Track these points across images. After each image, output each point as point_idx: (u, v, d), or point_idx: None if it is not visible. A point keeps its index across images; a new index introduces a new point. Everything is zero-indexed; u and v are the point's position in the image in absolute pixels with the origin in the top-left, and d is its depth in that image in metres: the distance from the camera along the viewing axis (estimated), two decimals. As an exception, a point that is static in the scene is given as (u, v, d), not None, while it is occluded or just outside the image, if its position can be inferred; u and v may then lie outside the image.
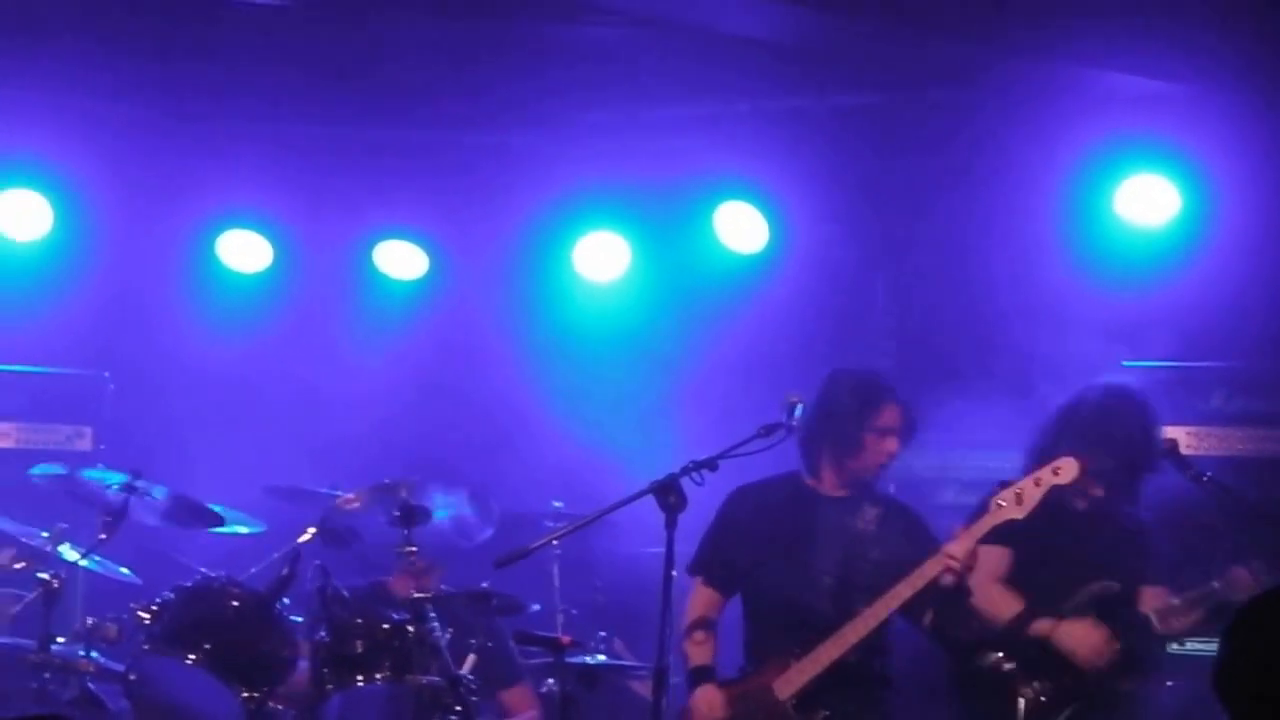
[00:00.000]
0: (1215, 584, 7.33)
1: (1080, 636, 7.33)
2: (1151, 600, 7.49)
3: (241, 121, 10.19)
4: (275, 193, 10.38)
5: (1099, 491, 7.52)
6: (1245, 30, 8.30)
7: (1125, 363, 8.96)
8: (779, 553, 7.44)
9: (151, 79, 9.87)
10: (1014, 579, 7.47)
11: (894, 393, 7.51)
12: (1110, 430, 7.56)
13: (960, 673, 7.63)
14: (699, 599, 7.56)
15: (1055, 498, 7.21)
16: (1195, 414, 8.92)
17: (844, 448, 7.44)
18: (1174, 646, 8.34)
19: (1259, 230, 9.03)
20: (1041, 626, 7.38)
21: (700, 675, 7.40)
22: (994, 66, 9.05)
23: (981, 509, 7.26)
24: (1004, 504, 7.13)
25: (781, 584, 7.41)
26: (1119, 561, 7.49)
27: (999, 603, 7.44)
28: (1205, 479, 7.75)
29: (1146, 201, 9.44)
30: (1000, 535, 7.20)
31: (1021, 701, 7.41)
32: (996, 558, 7.45)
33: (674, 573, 6.87)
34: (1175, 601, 7.40)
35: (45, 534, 8.16)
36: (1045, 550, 7.43)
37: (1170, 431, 8.26)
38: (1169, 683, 8.20)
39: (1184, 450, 8.07)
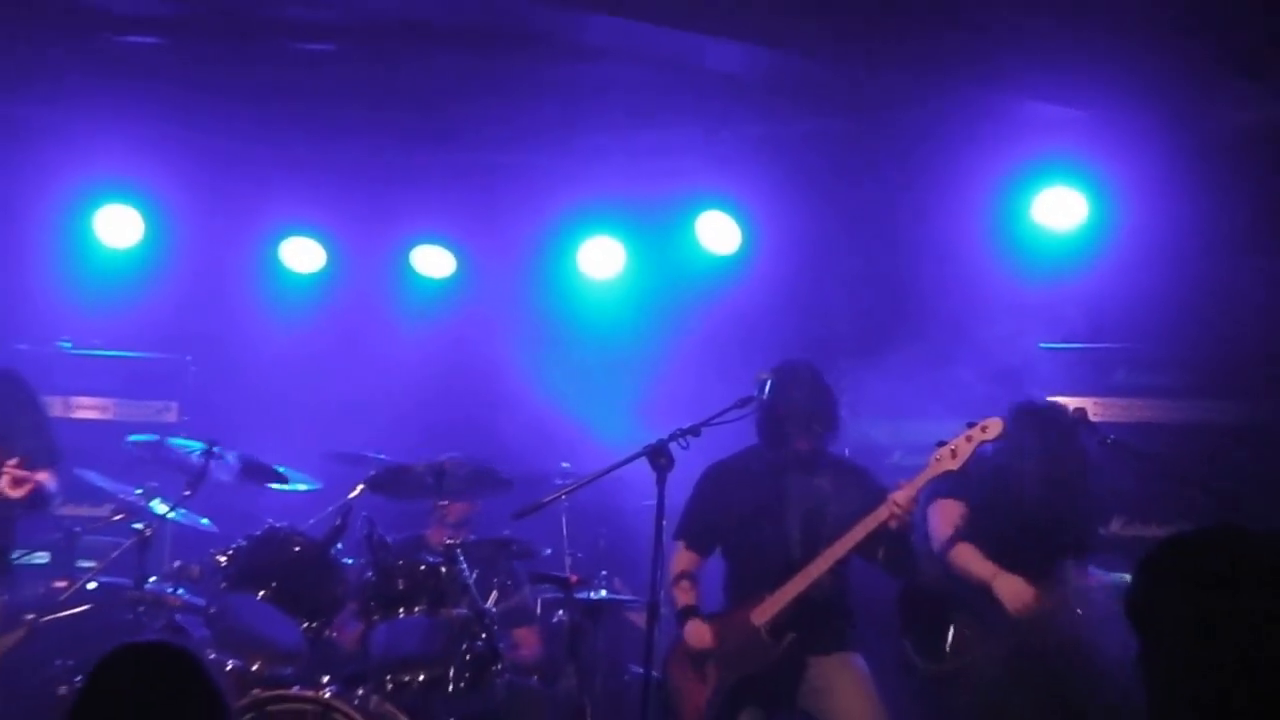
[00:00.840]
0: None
1: (1012, 591, 7.35)
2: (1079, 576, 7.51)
3: (299, 146, 10.26)
4: (327, 205, 10.47)
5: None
6: (1143, 66, 8.33)
7: (1042, 344, 9.03)
8: (754, 513, 7.52)
9: (224, 110, 9.94)
10: (971, 527, 7.50)
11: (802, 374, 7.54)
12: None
13: (904, 604, 7.65)
14: (682, 559, 7.65)
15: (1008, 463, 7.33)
16: (1101, 387, 8.97)
17: (777, 415, 7.49)
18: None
19: (1154, 233, 9.10)
20: (984, 571, 7.42)
21: (688, 613, 7.49)
22: (931, 97, 9.08)
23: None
24: (940, 459, 7.22)
25: (758, 538, 7.49)
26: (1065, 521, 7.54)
27: (969, 558, 7.47)
28: (1110, 441, 7.81)
29: (1059, 209, 9.51)
30: (953, 489, 7.34)
31: (951, 630, 7.47)
32: (953, 509, 7.56)
33: (664, 521, 7.00)
34: (1094, 584, 7.44)
35: (139, 491, 8.20)
36: (995, 505, 7.47)
37: (1080, 402, 8.31)
38: (1078, 610, 8.22)
39: (1092, 418, 8.13)
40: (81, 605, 8.01)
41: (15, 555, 7.84)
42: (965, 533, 7.51)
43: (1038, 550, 7.44)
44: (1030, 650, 7.32)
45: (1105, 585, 7.43)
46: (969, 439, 7.24)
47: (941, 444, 7.25)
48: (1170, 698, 3.17)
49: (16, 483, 7.19)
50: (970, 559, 7.46)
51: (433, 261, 10.65)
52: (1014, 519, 7.45)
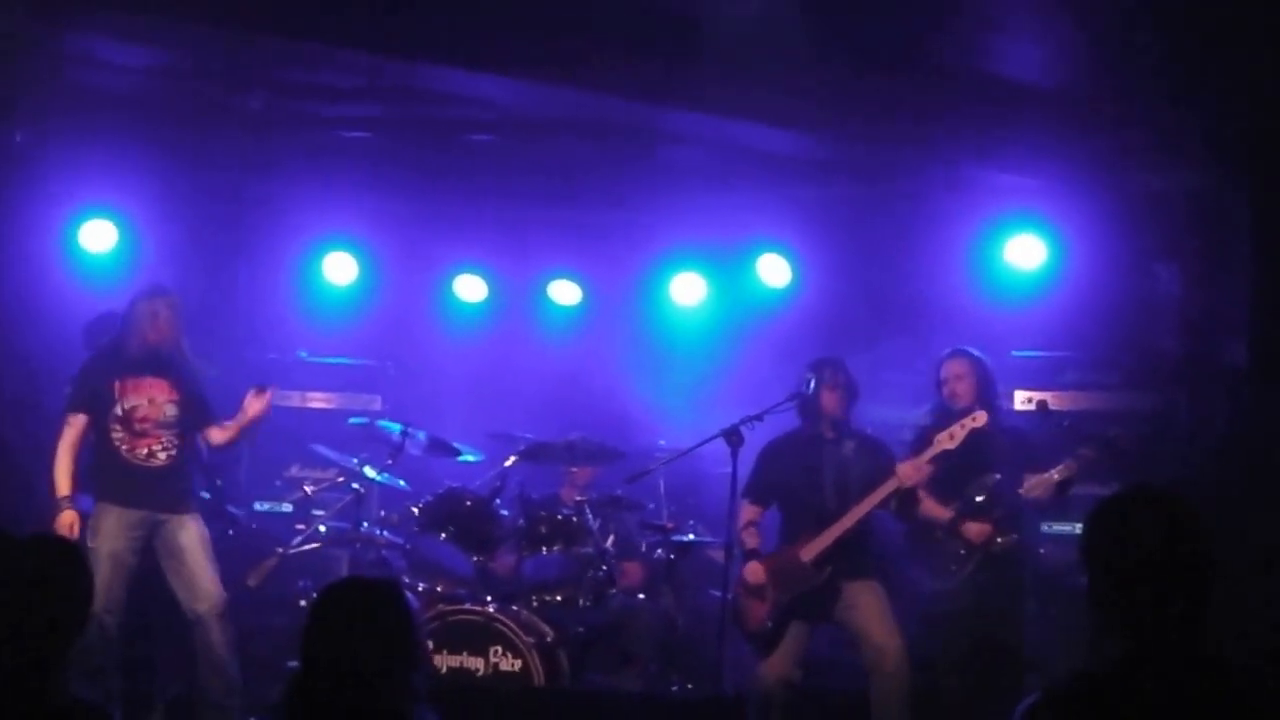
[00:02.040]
0: (1060, 467, 7.38)
1: (974, 528, 7.38)
2: (1027, 481, 7.52)
3: (468, 208, 10.30)
4: (488, 251, 10.51)
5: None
6: (1085, 147, 8.33)
7: (1013, 352, 8.99)
8: (800, 475, 7.53)
9: (415, 183, 10.00)
10: (939, 479, 7.47)
11: (831, 370, 7.54)
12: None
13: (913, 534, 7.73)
14: (747, 511, 7.65)
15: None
16: (1057, 383, 8.92)
17: (815, 403, 7.48)
18: (1045, 527, 8.36)
19: (1096, 270, 9.04)
20: (953, 521, 7.47)
21: (750, 555, 7.51)
22: (930, 170, 9.07)
23: (926, 442, 7.33)
24: (940, 440, 7.23)
25: (803, 494, 7.51)
26: (1002, 460, 7.54)
27: (935, 509, 7.52)
28: (1065, 424, 7.80)
29: (1025, 252, 9.41)
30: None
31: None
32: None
33: (737, 486, 7.14)
34: (1034, 480, 7.44)
35: (355, 460, 8.29)
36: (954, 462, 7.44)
37: (1041, 395, 8.28)
38: (1041, 549, 8.20)
39: (1051, 406, 8.12)
40: (315, 542, 8.09)
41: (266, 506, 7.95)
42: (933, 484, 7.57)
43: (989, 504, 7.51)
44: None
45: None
46: (963, 426, 7.25)
47: (942, 428, 7.29)
48: (1109, 611, 3.24)
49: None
50: (935, 509, 7.55)
51: (564, 292, 10.66)
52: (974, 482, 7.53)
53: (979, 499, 7.48)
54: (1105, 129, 8.21)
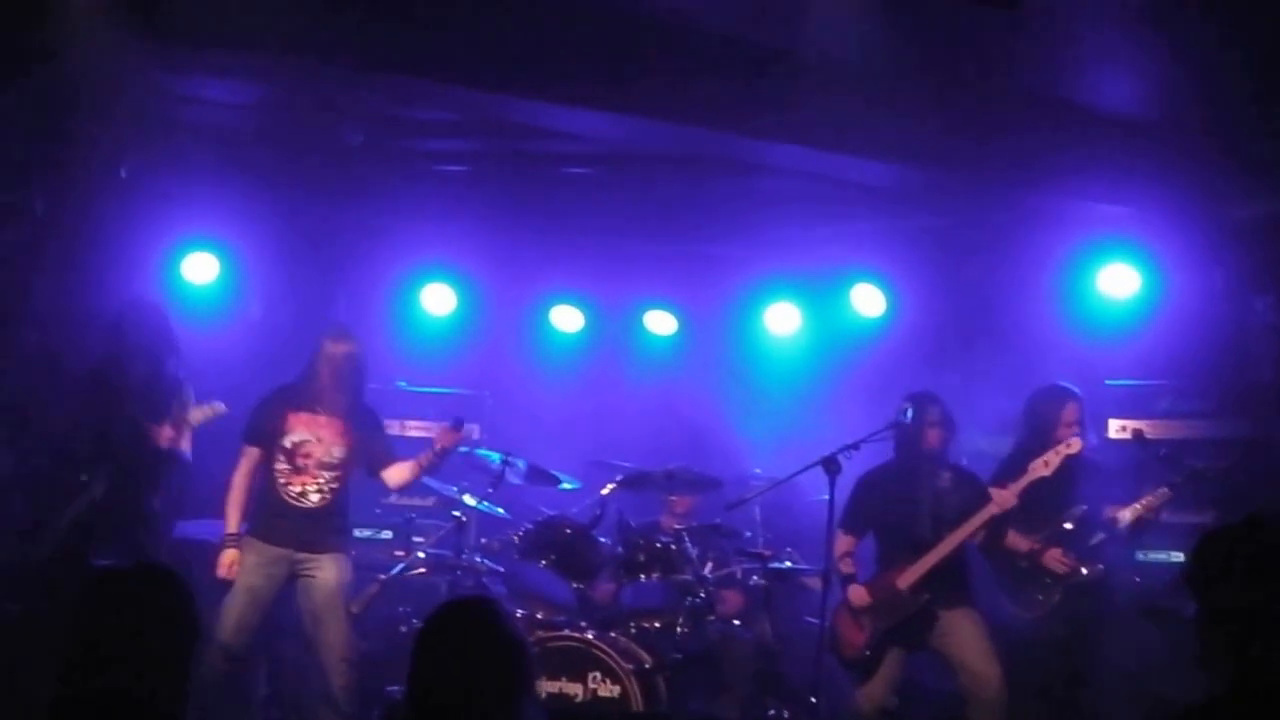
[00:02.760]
0: (1146, 499, 7.45)
1: (1051, 556, 7.41)
2: (1112, 510, 7.51)
3: (565, 240, 10.42)
4: (584, 283, 10.61)
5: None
6: (1176, 177, 8.26)
7: (1107, 381, 8.91)
8: (897, 505, 7.55)
9: (511, 216, 10.14)
10: (1026, 507, 7.43)
11: (932, 407, 7.55)
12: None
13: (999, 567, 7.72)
14: (843, 542, 7.70)
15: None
16: (1152, 412, 8.83)
17: (914, 437, 7.48)
18: (1140, 555, 8.28)
19: (1191, 299, 8.97)
20: (1036, 552, 7.46)
21: (849, 579, 7.57)
22: (1021, 199, 9.02)
23: (1020, 470, 7.30)
24: (1035, 468, 7.21)
25: (899, 523, 7.54)
26: (1089, 488, 7.57)
27: (1017, 540, 7.54)
28: (1162, 453, 7.73)
29: (1118, 281, 9.33)
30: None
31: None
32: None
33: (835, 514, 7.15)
34: (1130, 510, 7.40)
35: (455, 489, 8.36)
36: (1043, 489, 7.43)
37: (1136, 424, 8.23)
38: (1137, 578, 8.13)
39: (1147, 435, 8.05)
40: (416, 569, 8.13)
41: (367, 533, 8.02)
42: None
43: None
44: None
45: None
46: (1057, 453, 7.24)
47: (1037, 455, 7.26)
48: (1216, 642, 3.29)
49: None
50: (1017, 540, 7.58)
51: (660, 323, 10.73)
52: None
53: (1067, 526, 7.47)
54: (1200, 159, 8.18)
